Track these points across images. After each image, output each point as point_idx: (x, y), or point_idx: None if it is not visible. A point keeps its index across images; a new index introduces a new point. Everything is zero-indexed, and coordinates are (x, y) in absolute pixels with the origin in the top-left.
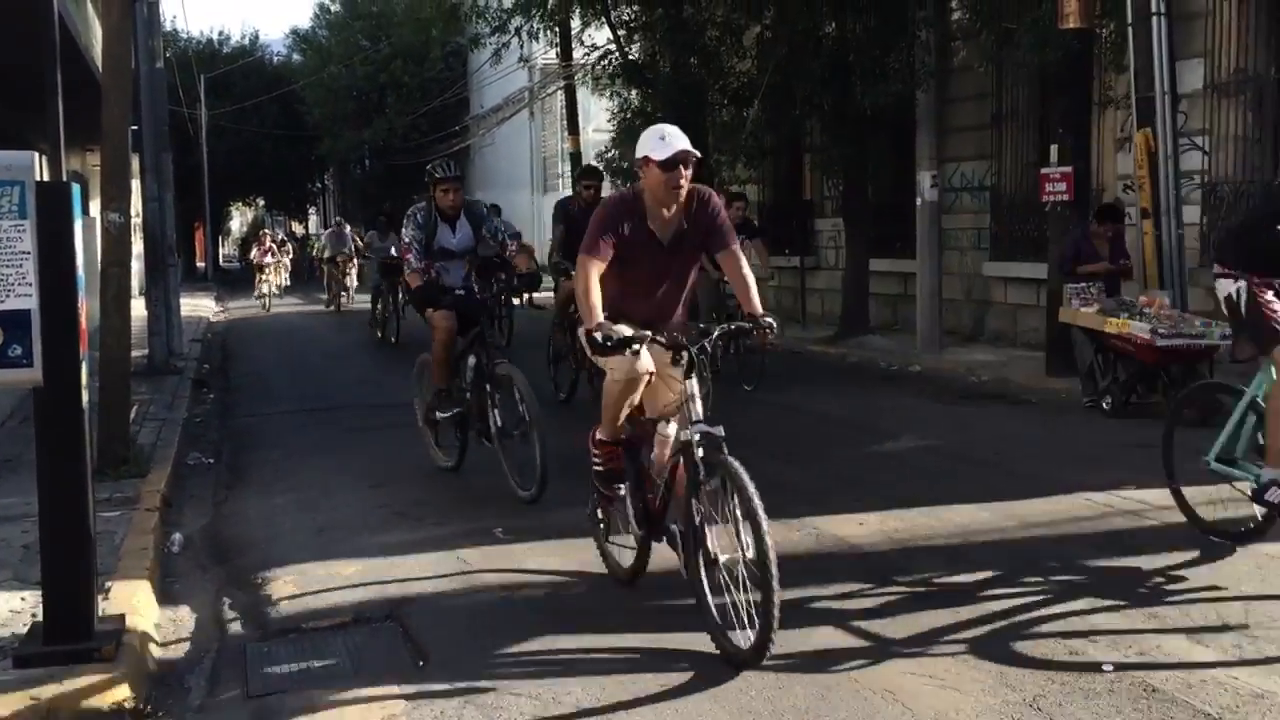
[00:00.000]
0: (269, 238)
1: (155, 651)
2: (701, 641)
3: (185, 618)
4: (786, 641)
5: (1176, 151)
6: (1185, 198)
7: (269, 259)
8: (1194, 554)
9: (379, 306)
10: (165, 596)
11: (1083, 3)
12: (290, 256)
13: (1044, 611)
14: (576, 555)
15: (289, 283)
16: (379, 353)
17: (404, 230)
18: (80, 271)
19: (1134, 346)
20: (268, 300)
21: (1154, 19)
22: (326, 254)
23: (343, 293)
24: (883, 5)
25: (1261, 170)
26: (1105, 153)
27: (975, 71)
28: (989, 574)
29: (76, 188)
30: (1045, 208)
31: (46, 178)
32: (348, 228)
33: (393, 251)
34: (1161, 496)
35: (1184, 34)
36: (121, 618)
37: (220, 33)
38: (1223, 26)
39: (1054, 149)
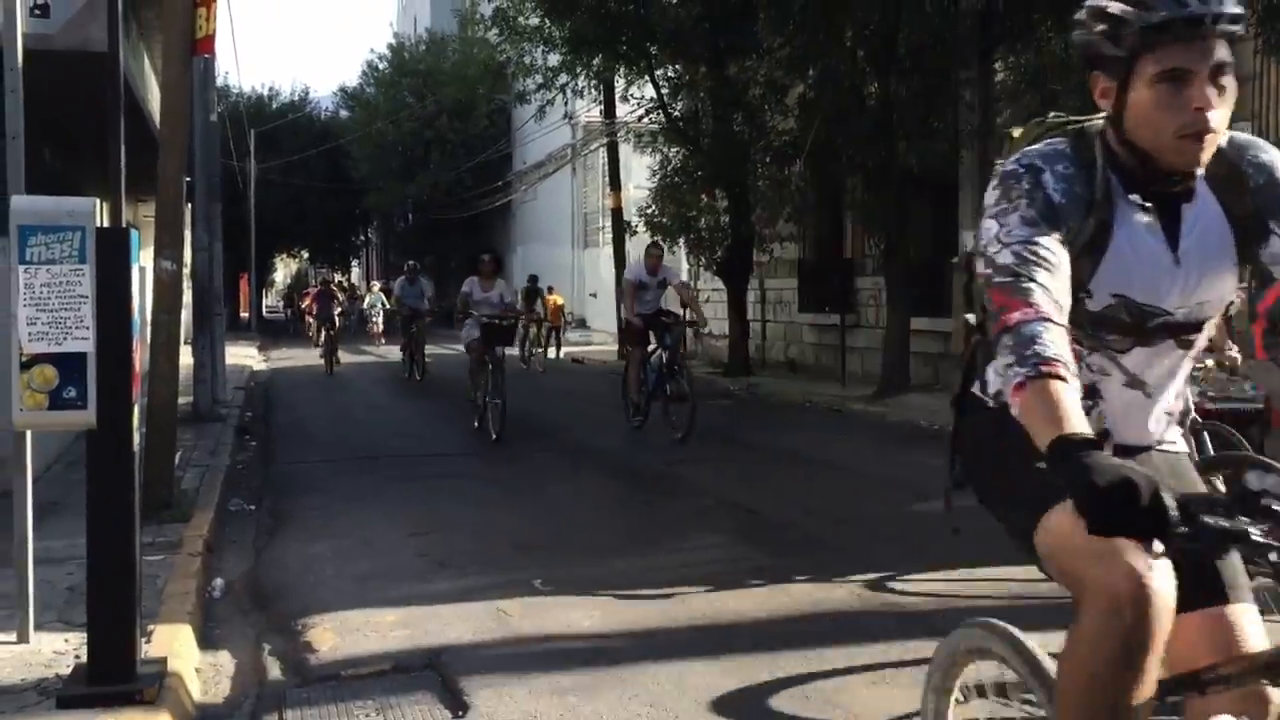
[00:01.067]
0: (331, 285)
1: (196, 695)
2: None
3: (226, 662)
4: (829, 699)
5: None
6: None
7: (337, 308)
8: None
9: (483, 385)
10: (206, 641)
11: None
12: (340, 310)
13: None
14: (617, 609)
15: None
16: (423, 403)
17: (995, 220)
18: (134, 317)
19: None
20: (329, 358)
21: None
22: (401, 308)
23: (417, 355)
24: (926, 66)
25: None
26: None
27: None
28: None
29: (136, 233)
30: None
31: (106, 224)
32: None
33: (513, 305)
34: None
35: None
36: (163, 661)
37: (270, 88)
38: (1270, 89)
39: None
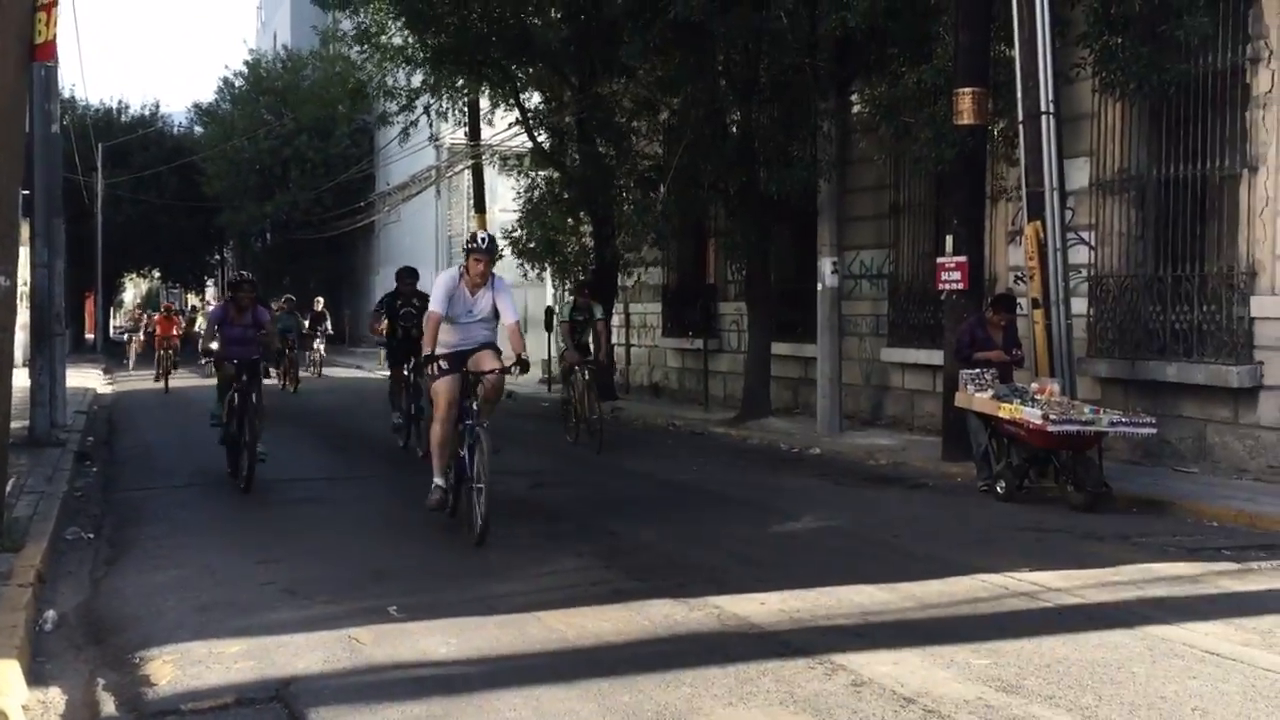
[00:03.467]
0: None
1: None
2: None
3: (56, 699)
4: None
5: (1065, 245)
6: (1073, 289)
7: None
8: (1088, 635)
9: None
10: (35, 677)
11: (976, 100)
12: (181, 331)
13: (943, 692)
14: (474, 635)
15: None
16: (279, 428)
17: None
18: None
19: (1026, 431)
20: (244, 462)
21: (1043, 118)
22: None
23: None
24: (786, 96)
25: (1144, 265)
26: (997, 244)
27: (875, 163)
28: (890, 654)
29: None
30: (941, 296)
31: None
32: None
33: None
34: (1056, 578)
35: (1071, 133)
36: None
37: (119, 102)
38: (1107, 128)
39: (949, 239)
